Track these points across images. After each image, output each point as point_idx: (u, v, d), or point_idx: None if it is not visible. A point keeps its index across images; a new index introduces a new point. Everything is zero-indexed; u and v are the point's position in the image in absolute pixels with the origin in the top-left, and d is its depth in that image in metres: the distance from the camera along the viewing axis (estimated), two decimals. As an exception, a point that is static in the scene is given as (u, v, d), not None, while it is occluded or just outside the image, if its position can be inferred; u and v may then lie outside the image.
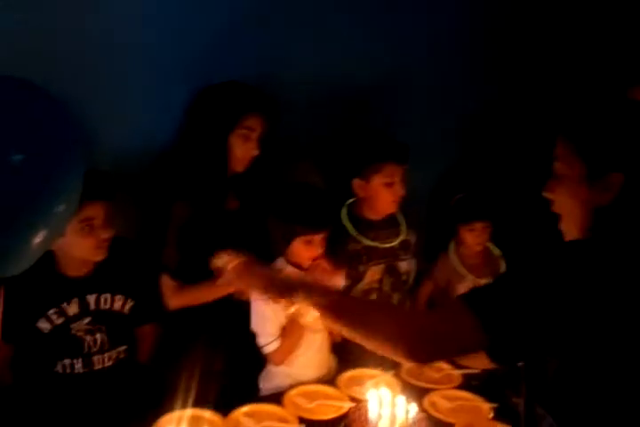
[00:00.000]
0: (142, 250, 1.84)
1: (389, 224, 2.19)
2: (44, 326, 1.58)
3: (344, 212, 2.13)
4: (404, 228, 2.20)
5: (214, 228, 1.85)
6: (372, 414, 1.51)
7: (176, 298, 1.84)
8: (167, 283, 1.83)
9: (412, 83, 2.38)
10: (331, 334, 1.93)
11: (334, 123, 2.26)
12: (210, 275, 1.83)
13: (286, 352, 1.81)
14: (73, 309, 1.61)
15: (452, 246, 2.49)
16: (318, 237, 1.82)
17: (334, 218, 1.93)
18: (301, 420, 1.57)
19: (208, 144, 1.82)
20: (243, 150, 1.85)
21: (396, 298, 2.18)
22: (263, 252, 1.90)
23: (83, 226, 1.56)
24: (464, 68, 2.48)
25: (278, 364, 1.83)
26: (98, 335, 1.63)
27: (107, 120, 1.84)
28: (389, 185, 2.05)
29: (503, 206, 2.45)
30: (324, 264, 1.82)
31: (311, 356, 1.87)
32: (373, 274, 2.12)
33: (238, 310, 1.84)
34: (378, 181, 2.05)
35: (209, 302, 1.83)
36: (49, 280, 1.60)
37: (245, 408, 1.59)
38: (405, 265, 2.19)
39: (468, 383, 1.86)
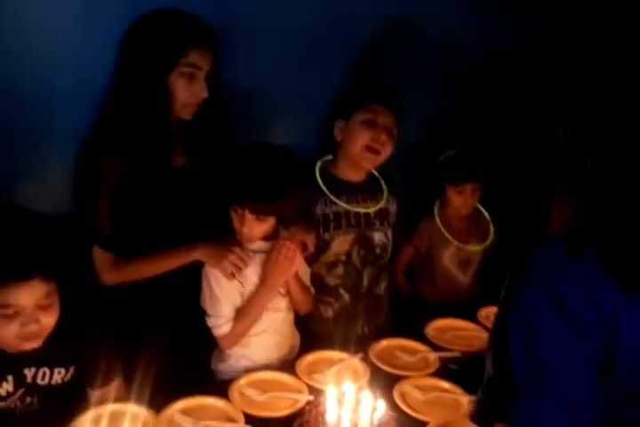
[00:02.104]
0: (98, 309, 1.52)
1: (368, 188, 1.91)
2: None
3: (317, 168, 1.86)
4: (385, 194, 1.93)
5: (156, 189, 1.55)
6: (329, 415, 1.28)
7: (113, 273, 1.56)
8: (100, 255, 1.55)
9: (397, 25, 2.04)
10: (295, 306, 1.69)
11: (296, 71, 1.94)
12: (151, 245, 1.57)
13: (238, 337, 1.58)
14: (7, 387, 1.29)
15: (436, 208, 2.22)
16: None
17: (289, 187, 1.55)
18: (248, 418, 1.34)
19: (144, 85, 1.49)
20: (188, 92, 1.52)
21: (367, 273, 1.91)
22: (214, 218, 1.62)
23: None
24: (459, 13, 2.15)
25: (228, 348, 1.59)
26: (28, 400, 1.32)
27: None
28: (370, 124, 1.77)
29: (496, 167, 2.17)
30: (289, 247, 1.54)
31: (269, 337, 1.64)
32: (341, 244, 1.84)
33: (186, 282, 1.58)
34: (357, 117, 1.78)
35: (152, 277, 1.56)
36: None
37: (182, 403, 1.35)
38: (380, 236, 1.91)
39: (446, 368, 1.64)
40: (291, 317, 1.70)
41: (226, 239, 1.56)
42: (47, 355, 1.29)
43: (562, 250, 0.90)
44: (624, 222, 0.88)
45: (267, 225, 1.53)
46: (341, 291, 1.88)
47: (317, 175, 1.85)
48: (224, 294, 1.54)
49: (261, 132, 1.84)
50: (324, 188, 1.83)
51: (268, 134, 1.85)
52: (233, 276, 1.51)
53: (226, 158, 1.54)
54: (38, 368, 1.31)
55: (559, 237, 0.94)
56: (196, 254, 1.53)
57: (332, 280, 1.86)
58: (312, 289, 1.72)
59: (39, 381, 1.31)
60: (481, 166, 2.13)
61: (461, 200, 2.15)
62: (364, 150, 1.79)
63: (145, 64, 1.48)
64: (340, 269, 1.86)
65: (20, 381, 1.30)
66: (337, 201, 1.83)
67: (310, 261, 1.77)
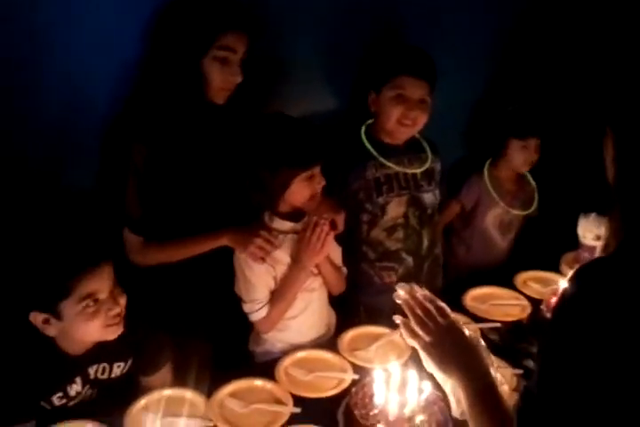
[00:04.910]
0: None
1: (411, 150, 1.87)
2: (45, 406, 1.33)
3: (363, 132, 1.83)
4: (428, 154, 1.88)
5: (184, 172, 1.52)
6: (377, 397, 1.30)
7: (142, 255, 1.56)
8: (130, 238, 1.54)
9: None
10: (328, 287, 1.69)
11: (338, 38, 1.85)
12: (180, 228, 1.56)
13: (275, 320, 1.58)
14: (76, 388, 1.34)
15: (487, 167, 2.17)
16: (317, 170, 1.52)
17: (326, 145, 1.55)
18: (296, 399, 1.37)
19: (178, 69, 1.44)
20: (222, 77, 1.46)
21: (426, 234, 1.89)
22: (239, 199, 1.59)
23: (85, 306, 1.24)
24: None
25: (266, 332, 1.61)
26: (89, 393, 1.38)
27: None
28: (399, 98, 1.72)
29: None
30: (321, 225, 1.53)
31: (305, 319, 1.64)
32: (396, 207, 1.82)
33: (220, 268, 1.59)
34: (386, 93, 1.74)
35: (184, 259, 1.56)
36: (51, 364, 1.30)
37: (231, 387, 1.38)
38: (429, 196, 1.88)
39: (487, 339, 1.64)
40: (325, 296, 1.69)
41: (253, 224, 1.54)
42: (107, 351, 1.34)
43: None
44: None
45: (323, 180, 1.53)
46: (404, 255, 1.86)
47: (364, 139, 1.81)
48: (257, 278, 1.53)
49: (280, 100, 1.79)
50: (372, 151, 1.80)
51: (289, 102, 1.79)
52: (262, 260, 1.50)
53: (260, 135, 1.49)
54: (99, 364, 1.35)
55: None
56: (224, 241, 1.52)
57: (392, 245, 1.85)
58: (344, 269, 1.70)
59: (99, 375, 1.36)
60: (547, 121, 2.07)
61: (524, 156, 2.09)
62: (397, 124, 1.75)
63: (179, 46, 1.43)
64: (400, 233, 1.84)
65: (85, 380, 1.35)
66: (387, 163, 1.80)
67: (368, 229, 1.80)
